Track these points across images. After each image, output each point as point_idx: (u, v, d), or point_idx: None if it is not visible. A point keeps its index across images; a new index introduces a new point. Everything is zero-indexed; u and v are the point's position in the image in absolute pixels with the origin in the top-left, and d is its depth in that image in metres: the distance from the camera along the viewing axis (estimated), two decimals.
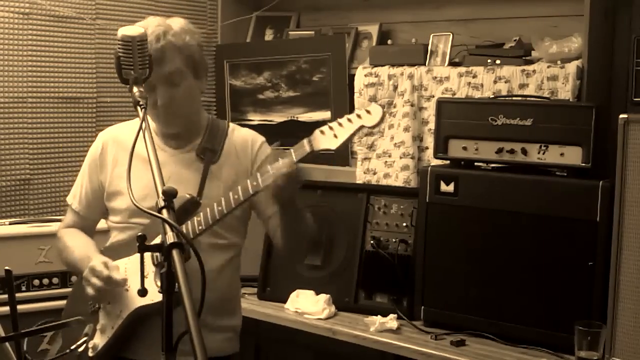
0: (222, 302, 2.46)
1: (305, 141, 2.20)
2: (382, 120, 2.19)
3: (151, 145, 1.80)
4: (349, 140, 2.20)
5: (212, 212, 2.24)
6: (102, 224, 2.62)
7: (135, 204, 1.61)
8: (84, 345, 2.37)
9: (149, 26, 2.31)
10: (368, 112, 2.17)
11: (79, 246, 2.49)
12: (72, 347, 2.38)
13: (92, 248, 2.47)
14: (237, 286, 2.61)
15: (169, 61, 2.32)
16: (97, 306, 2.43)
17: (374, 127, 2.21)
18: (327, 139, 2.17)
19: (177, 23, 2.40)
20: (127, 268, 2.36)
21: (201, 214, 2.26)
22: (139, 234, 1.63)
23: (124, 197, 2.42)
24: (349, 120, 2.17)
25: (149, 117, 2.39)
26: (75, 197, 2.58)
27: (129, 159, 1.75)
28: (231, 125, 2.57)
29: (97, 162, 2.51)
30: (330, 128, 2.18)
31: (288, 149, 2.21)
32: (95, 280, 2.27)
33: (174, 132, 2.45)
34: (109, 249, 2.48)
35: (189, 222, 2.26)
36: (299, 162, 2.20)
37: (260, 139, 2.57)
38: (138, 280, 2.26)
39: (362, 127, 2.17)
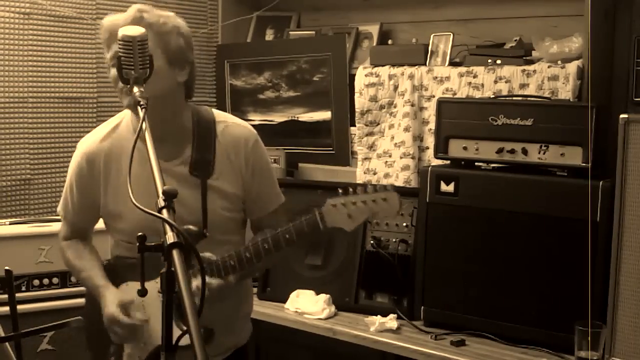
0: (235, 292, 2.44)
1: (317, 215, 2.18)
2: (398, 212, 2.21)
3: (151, 144, 1.79)
4: (363, 223, 2.21)
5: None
6: (101, 224, 2.55)
7: (135, 204, 1.61)
8: None
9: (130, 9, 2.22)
10: (385, 200, 2.16)
11: (85, 269, 2.43)
12: None
13: (97, 274, 2.39)
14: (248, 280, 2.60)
15: None
16: None
17: (386, 217, 2.22)
18: (341, 218, 2.17)
19: (160, 10, 2.28)
20: (146, 319, 2.29)
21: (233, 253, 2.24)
22: (139, 234, 1.63)
23: (124, 219, 2.35)
24: (364, 202, 2.16)
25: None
26: (67, 210, 2.48)
27: (129, 161, 1.73)
28: (218, 120, 2.40)
29: (84, 181, 2.40)
30: (344, 205, 2.16)
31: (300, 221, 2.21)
32: (119, 330, 2.23)
33: (153, 124, 2.32)
34: (116, 265, 2.42)
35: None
36: (310, 234, 2.20)
37: (252, 137, 2.42)
38: (155, 308, 2.25)
39: (376, 214, 2.18)
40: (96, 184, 2.38)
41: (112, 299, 2.27)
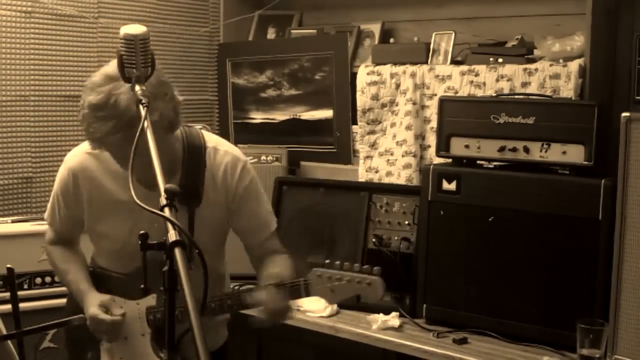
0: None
1: (302, 285, 2.18)
2: (382, 298, 2.19)
3: (153, 143, 1.78)
4: (344, 301, 2.20)
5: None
6: None
7: (138, 203, 1.60)
8: None
9: (119, 103, 2.07)
10: (369, 284, 2.14)
11: (70, 272, 2.48)
12: None
13: (82, 278, 2.44)
14: (224, 277, 2.62)
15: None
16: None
17: (369, 301, 2.20)
18: (324, 291, 2.17)
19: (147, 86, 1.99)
20: (125, 312, 2.33)
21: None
22: (141, 232, 1.63)
23: (107, 241, 2.40)
24: (349, 281, 2.15)
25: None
26: (54, 220, 2.52)
27: (132, 156, 1.72)
28: (208, 146, 2.38)
29: (70, 198, 2.42)
30: (329, 278, 2.16)
31: (284, 284, 2.21)
32: (102, 328, 2.29)
33: (147, 180, 2.00)
34: (97, 275, 2.46)
35: None
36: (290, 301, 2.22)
37: (240, 162, 2.41)
38: (135, 329, 2.30)
39: (359, 296, 2.17)
40: (80, 202, 2.41)
41: (93, 301, 2.32)
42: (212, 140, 2.43)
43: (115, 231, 2.34)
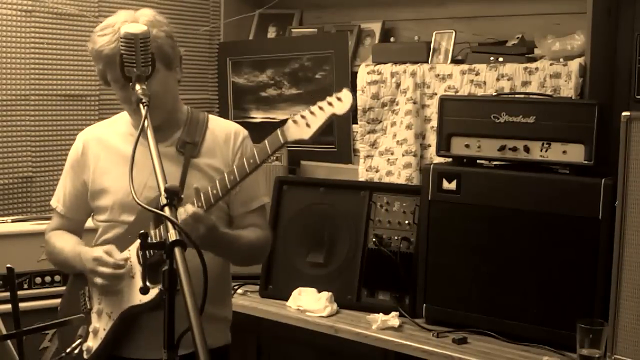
0: (210, 291, 2.43)
1: (278, 132, 2.18)
2: (352, 107, 2.17)
3: (154, 143, 1.80)
4: (322, 128, 2.17)
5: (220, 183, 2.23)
6: (90, 223, 2.60)
7: (137, 202, 1.61)
8: (78, 348, 2.38)
9: (117, 22, 2.27)
10: (339, 99, 2.15)
11: (67, 245, 2.49)
12: (68, 350, 2.39)
13: (80, 245, 2.47)
14: (227, 276, 2.58)
15: None
16: (88, 307, 2.42)
17: (344, 114, 2.18)
18: (299, 129, 2.16)
19: (144, 17, 2.31)
20: (128, 257, 2.33)
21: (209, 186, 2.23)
22: (141, 232, 1.63)
23: (109, 194, 2.40)
24: (321, 108, 2.15)
25: (126, 113, 2.44)
26: (59, 200, 2.56)
27: (132, 157, 1.74)
28: (211, 117, 2.52)
29: (79, 163, 2.49)
30: (303, 117, 2.16)
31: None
32: (103, 269, 2.26)
33: (153, 126, 2.22)
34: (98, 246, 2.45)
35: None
36: (273, 153, 2.20)
37: (243, 132, 2.50)
38: (127, 281, 2.27)
39: (333, 114, 2.15)
40: (87, 165, 2.47)
41: (95, 249, 2.33)
42: (215, 117, 2.56)
43: (117, 183, 2.36)
